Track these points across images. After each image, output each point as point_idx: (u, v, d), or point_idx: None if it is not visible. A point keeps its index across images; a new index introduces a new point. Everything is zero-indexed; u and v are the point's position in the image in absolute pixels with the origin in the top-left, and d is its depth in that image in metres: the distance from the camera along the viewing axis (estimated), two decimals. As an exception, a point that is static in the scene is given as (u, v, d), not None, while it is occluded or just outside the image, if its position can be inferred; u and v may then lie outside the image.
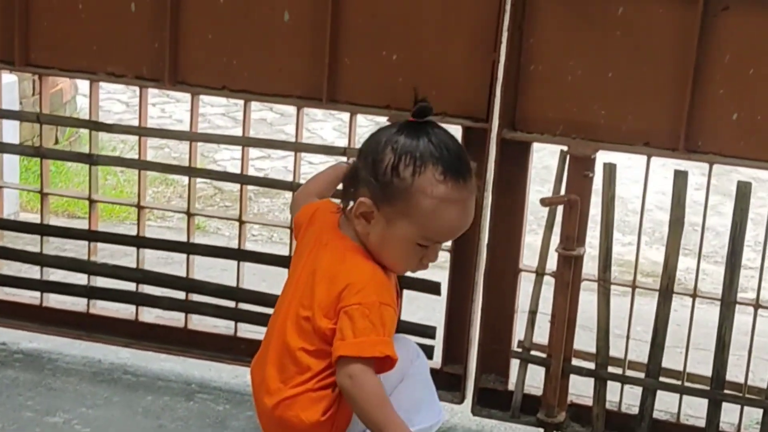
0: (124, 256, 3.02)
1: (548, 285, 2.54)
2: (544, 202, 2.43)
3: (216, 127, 6.67)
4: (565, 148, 2.45)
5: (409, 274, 2.26)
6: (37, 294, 2.87)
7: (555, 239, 2.51)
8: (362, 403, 1.92)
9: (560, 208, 2.48)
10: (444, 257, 2.67)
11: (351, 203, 2.02)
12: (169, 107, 6.85)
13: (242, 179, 2.67)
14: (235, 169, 2.77)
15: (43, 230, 2.82)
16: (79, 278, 2.86)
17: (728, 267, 2.42)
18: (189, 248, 2.75)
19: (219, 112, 6.74)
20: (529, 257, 2.63)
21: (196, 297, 2.79)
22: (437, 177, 1.95)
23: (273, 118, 6.78)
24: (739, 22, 2.33)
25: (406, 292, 2.63)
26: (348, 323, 1.92)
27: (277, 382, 2.01)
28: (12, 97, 4.32)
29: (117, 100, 6.96)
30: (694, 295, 2.50)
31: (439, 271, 2.46)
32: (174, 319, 2.84)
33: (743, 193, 2.37)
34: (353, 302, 1.93)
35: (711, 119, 2.39)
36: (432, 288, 2.61)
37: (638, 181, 2.52)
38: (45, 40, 2.72)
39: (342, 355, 1.91)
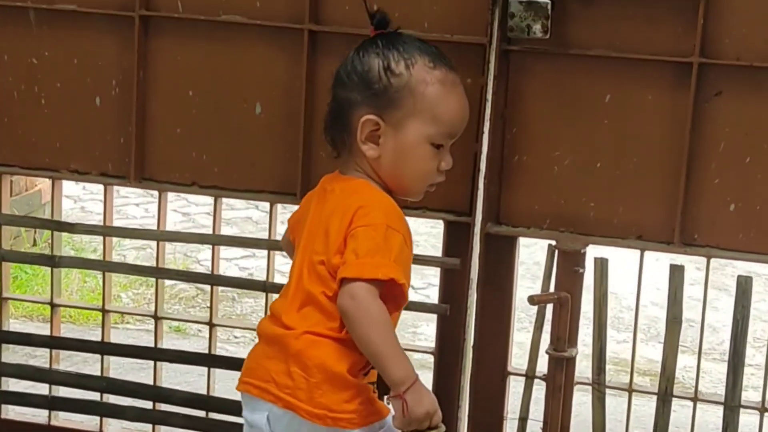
0: (96, 362, 2.85)
1: (540, 387, 2.38)
2: (532, 300, 2.27)
3: (200, 226, 6.54)
4: (554, 243, 2.31)
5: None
6: (-4, 405, 2.71)
7: (546, 338, 2.36)
8: (363, 327, 1.79)
9: (550, 307, 2.33)
10: (428, 360, 2.53)
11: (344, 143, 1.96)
12: (154, 207, 6.72)
13: (213, 280, 2.52)
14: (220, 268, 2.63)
15: (1, 337, 2.66)
16: (41, 388, 2.70)
17: (731, 368, 2.26)
18: (156, 354, 2.59)
19: (204, 210, 6.61)
20: (520, 356, 2.47)
21: (164, 407, 2.62)
22: (428, 65, 1.94)
23: (259, 216, 6.65)
24: (733, 108, 2.21)
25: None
26: (352, 245, 1.82)
27: (302, 325, 1.87)
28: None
29: (99, 201, 6.82)
30: (695, 399, 2.34)
31: (422, 373, 2.31)
32: (141, 430, 2.67)
33: (744, 289, 2.22)
34: (360, 224, 1.84)
35: (707, 211, 2.26)
36: (415, 394, 2.44)
37: (632, 275, 2.38)
38: (5, 136, 2.59)
39: (344, 277, 1.80)
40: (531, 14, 2.20)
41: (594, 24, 2.24)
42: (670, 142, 2.24)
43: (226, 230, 6.32)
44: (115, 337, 2.71)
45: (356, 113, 1.93)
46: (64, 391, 2.68)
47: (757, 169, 2.22)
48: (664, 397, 2.30)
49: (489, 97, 2.28)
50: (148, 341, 2.76)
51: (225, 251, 5.69)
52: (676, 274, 2.26)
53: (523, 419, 2.39)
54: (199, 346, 4.09)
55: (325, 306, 1.87)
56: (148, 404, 2.62)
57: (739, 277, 2.23)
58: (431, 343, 2.52)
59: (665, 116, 2.24)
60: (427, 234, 6.11)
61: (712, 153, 2.23)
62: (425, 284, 5.40)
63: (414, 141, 1.92)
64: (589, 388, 2.35)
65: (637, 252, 2.33)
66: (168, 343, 2.77)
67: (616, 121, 2.27)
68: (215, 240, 2.50)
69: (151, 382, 2.61)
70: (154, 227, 2.52)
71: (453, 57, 2.29)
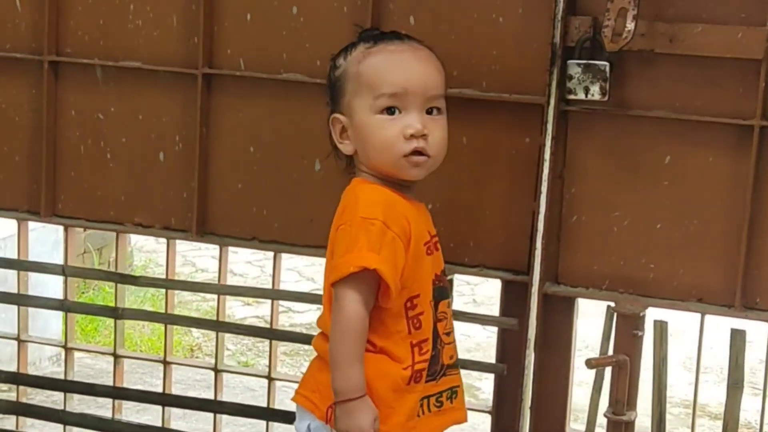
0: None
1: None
2: (590, 363, 2.25)
3: (265, 257, 6.58)
4: (612, 305, 2.29)
5: None
6: (61, 453, 2.75)
7: (605, 401, 2.33)
8: (332, 329, 1.81)
9: (609, 369, 2.30)
10: (484, 420, 2.51)
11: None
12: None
13: (271, 335, 2.54)
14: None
15: (66, 387, 2.70)
16: (105, 437, 2.74)
17: (794, 436, 2.21)
18: (216, 407, 2.61)
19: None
20: (582, 397, 2.41)
21: (223, 458, 2.65)
22: (366, 46, 1.94)
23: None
24: (796, 172, 2.17)
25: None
26: (334, 249, 1.85)
27: None
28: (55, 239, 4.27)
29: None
30: (757, 466, 2.29)
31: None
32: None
33: (807, 355, 2.18)
34: (339, 223, 1.86)
35: (769, 275, 2.21)
36: (472, 453, 2.43)
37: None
38: (72, 190, 2.65)
39: (330, 284, 1.83)
40: (589, 76, 2.18)
41: (654, 85, 2.22)
42: (731, 204, 2.21)
43: (287, 263, 6.36)
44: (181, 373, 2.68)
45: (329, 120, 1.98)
46: (126, 441, 2.72)
47: (820, 234, 2.17)
48: (726, 463, 2.26)
49: (547, 157, 2.27)
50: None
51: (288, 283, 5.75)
52: (737, 338, 2.22)
53: (581, 481, 2.36)
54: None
55: None
56: (207, 455, 2.65)
57: (801, 343, 2.19)
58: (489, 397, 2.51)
59: (726, 178, 2.21)
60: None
61: (774, 217, 2.19)
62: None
63: (361, 118, 1.90)
64: (649, 450, 2.33)
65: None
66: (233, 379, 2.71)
67: (676, 183, 2.24)
68: (274, 295, 2.52)
69: (210, 434, 2.64)
70: (232, 278, 2.55)
71: (511, 116, 2.32)
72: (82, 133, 2.62)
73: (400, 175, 1.94)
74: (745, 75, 2.16)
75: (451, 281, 2.44)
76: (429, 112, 1.92)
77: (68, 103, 2.62)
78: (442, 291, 1.97)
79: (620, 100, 2.23)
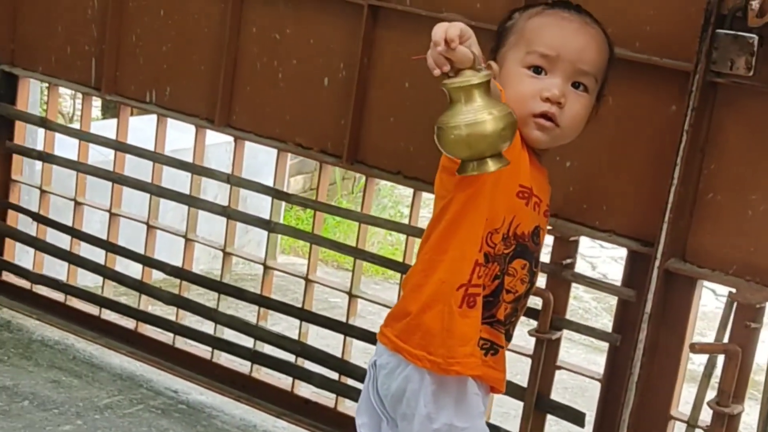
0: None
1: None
2: (694, 348, 2.15)
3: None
4: (734, 291, 2.17)
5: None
6: (210, 348, 2.93)
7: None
8: None
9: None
10: (594, 387, 2.46)
11: None
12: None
13: (402, 267, 2.58)
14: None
15: (220, 288, 2.87)
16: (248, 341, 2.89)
17: None
18: (346, 329, 2.70)
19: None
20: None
21: (350, 381, 2.72)
22: (544, 7, 1.94)
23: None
24: None
25: (549, 417, 2.45)
26: None
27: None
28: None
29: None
30: None
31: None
32: (327, 398, 2.79)
33: None
34: None
35: None
36: (576, 417, 2.39)
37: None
38: (246, 104, 2.78)
39: None
40: (736, 48, 2.06)
41: (809, 65, 2.06)
42: None
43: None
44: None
45: None
46: (267, 348, 2.86)
47: None
48: (830, 477, 2.12)
49: (687, 127, 2.16)
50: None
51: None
52: None
53: (678, 467, 2.28)
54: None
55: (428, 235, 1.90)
56: (334, 375, 2.74)
57: None
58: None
59: None
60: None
61: None
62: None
63: (509, 68, 1.89)
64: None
65: None
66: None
67: (822, 174, 2.08)
68: (410, 231, 2.56)
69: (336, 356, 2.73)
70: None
71: (660, 82, 2.24)
72: (259, 50, 2.74)
73: (524, 134, 1.89)
74: None
75: (576, 243, 2.40)
76: (576, 86, 1.89)
77: (251, 19, 2.75)
78: (525, 251, 1.91)
79: (772, 77, 2.09)
